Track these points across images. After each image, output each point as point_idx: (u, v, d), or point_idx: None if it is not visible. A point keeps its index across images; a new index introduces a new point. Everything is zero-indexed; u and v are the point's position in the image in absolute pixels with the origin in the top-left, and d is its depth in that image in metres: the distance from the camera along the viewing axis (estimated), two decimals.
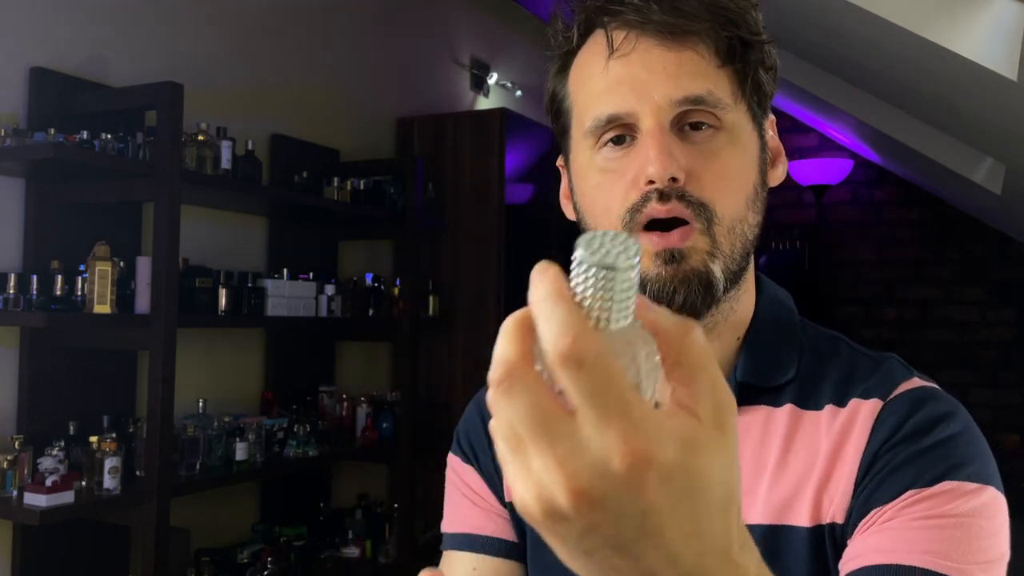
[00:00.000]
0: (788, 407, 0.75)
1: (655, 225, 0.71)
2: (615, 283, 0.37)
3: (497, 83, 4.56)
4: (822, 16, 2.61)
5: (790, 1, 2.61)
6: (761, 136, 0.76)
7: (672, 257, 0.71)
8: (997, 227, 5.06)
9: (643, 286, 0.72)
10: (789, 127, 5.56)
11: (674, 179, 0.69)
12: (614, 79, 0.72)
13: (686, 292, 0.71)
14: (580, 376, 0.35)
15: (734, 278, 0.74)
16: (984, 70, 2.09)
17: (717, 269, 0.72)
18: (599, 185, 0.74)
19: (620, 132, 0.72)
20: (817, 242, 5.44)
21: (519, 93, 4.66)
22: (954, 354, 5.19)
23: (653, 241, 0.71)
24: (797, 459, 0.73)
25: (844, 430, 0.72)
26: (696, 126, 0.71)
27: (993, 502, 0.68)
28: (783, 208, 5.64)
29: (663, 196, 0.70)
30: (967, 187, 4.02)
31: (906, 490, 0.67)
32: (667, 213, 0.70)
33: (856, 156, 5.45)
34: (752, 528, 0.71)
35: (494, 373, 0.37)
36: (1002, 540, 0.68)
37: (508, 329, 0.38)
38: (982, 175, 3.72)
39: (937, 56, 2.19)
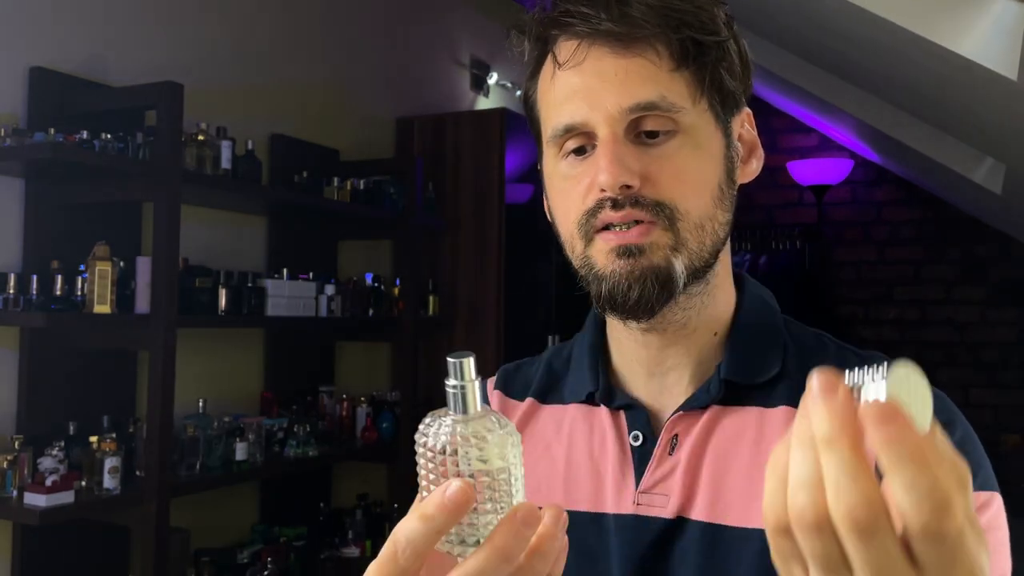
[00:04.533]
0: (784, 409, 0.74)
1: (613, 226, 0.72)
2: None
3: (497, 83, 4.56)
4: (822, 16, 2.61)
5: (791, 1, 2.61)
6: (727, 135, 0.76)
7: (628, 251, 0.71)
8: (998, 227, 5.06)
9: (599, 282, 0.73)
10: (789, 127, 5.56)
11: (628, 186, 0.70)
12: (569, 89, 0.73)
13: (641, 288, 0.71)
14: (941, 550, 0.37)
15: (698, 274, 0.74)
16: (984, 70, 2.09)
17: (679, 264, 0.72)
18: (561, 192, 0.76)
19: (580, 142, 0.73)
20: (817, 242, 5.44)
21: (519, 93, 4.64)
22: (954, 354, 5.19)
23: (608, 239, 0.72)
24: None
25: None
26: (652, 134, 0.72)
27: (1000, 510, 0.69)
28: (783, 208, 5.64)
29: (616, 204, 0.71)
30: (967, 187, 4.02)
31: None
32: (622, 219, 0.71)
33: (856, 156, 5.45)
34: (755, 532, 0.71)
35: (858, 512, 0.37)
36: (1008, 547, 0.69)
37: (863, 467, 0.38)
38: (982, 175, 3.72)
39: (937, 56, 2.19)
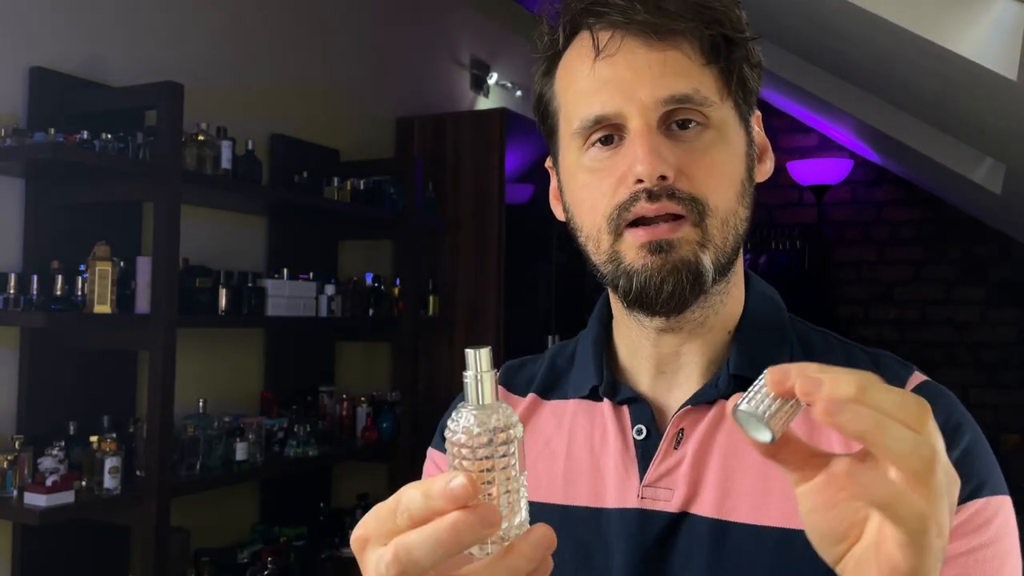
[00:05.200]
0: None
1: (642, 222, 0.71)
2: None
3: (497, 83, 4.56)
4: (822, 16, 2.61)
5: (791, 1, 2.61)
6: (748, 132, 0.76)
7: (659, 247, 0.71)
8: (998, 227, 5.06)
9: (629, 277, 0.72)
10: (789, 127, 5.56)
11: (663, 177, 0.70)
12: (600, 80, 0.72)
13: (674, 282, 0.71)
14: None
15: (723, 270, 0.74)
16: (984, 70, 2.09)
17: (707, 259, 0.72)
18: (587, 185, 0.75)
19: (608, 132, 0.73)
20: (817, 242, 5.45)
21: (519, 93, 4.66)
22: (954, 354, 5.19)
23: (638, 235, 0.71)
24: None
25: None
26: (684, 124, 0.72)
27: (1010, 512, 0.69)
28: (783, 208, 5.64)
29: (652, 196, 0.70)
30: (967, 187, 4.02)
31: None
32: (656, 212, 0.70)
33: (856, 156, 5.45)
34: (768, 530, 0.70)
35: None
36: (1019, 550, 0.69)
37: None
38: (982, 175, 3.73)
39: (937, 56, 2.19)
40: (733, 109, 0.74)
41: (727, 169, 0.73)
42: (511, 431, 0.49)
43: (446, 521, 0.46)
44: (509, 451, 0.49)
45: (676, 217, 0.71)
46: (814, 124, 5.46)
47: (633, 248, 0.72)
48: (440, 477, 0.47)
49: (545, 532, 0.47)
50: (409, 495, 0.48)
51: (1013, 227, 4.77)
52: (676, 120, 0.71)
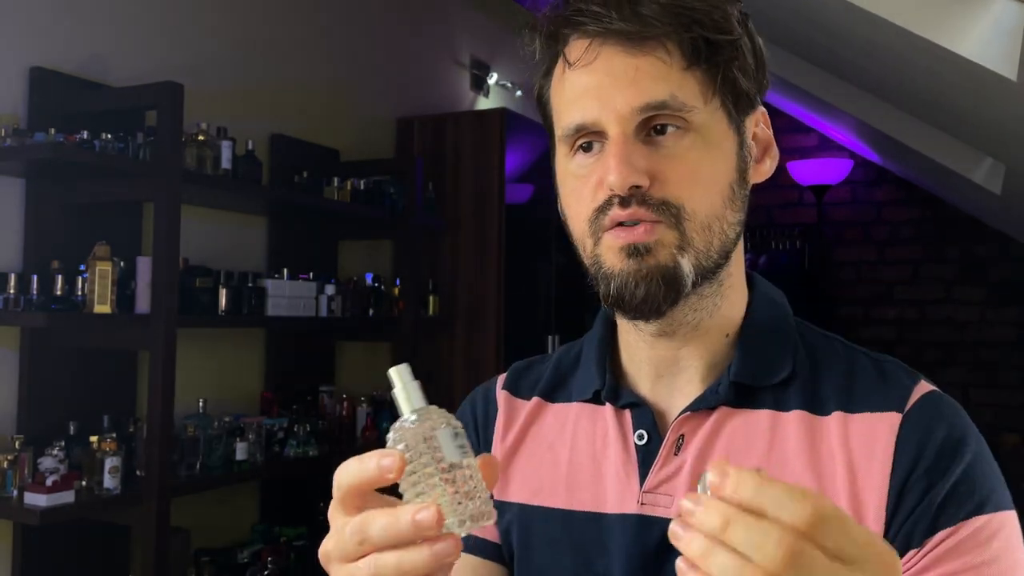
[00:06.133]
0: (798, 413, 0.73)
1: (621, 224, 0.72)
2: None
3: (497, 83, 4.56)
4: (823, 16, 2.61)
5: (790, 1, 2.62)
6: (740, 134, 0.75)
7: (636, 251, 0.71)
8: (997, 227, 5.07)
9: (608, 281, 0.73)
10: (789, 127, 5.56)
11: (637, 186, 0.70)
12: (580, 88, 0.73)
13: (647, 287, 0.71)
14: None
15: (707, 274, 0.73)
16: (984, 70, 2.09)
17: (686, 264, 0.71)
18: (573, 191, 0.76)
19: (590, 140, 0.73)
20: (817, 242, 5.45)
21: (519, 93, 4.66)
22: (954, 354, 5.19)
23: (618, 236, 0.72)
24: (814, 471, 0.71)
25: (863, 446, 0.70)
26: (661, 130, 0.71)
27: (1014, 527, 0.68)
28: (783, 208, 5.64)
29: (624, 202, 0.70)
30: (967, 187, 4.02)
31: (939, 531, 0.67)
32: (629, 217, 0.71)
33: (856, 156, 5.45)
34: None
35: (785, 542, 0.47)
36: (1022, 562, 0.68)
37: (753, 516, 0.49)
38: (982, 175, 3.73)
39: (937, 56, 2.19)
40: (720, 111, 0.73)
41: (708, 173, 0.72)
42: (435, 433, 0.54)
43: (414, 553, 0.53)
44: (437, 453, 0.54)
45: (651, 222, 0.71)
46: (814, 124, 5.46)
47: (612, 251, 0.72)
48: (407, 508, 0.52)
49: (449, 545, 0.52)
50: (378, 523, 0.54)
51: (1013, 227, 4.77)
52: (654, 126, 0.71)
